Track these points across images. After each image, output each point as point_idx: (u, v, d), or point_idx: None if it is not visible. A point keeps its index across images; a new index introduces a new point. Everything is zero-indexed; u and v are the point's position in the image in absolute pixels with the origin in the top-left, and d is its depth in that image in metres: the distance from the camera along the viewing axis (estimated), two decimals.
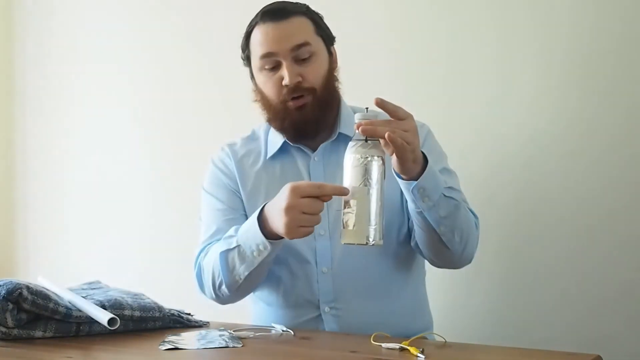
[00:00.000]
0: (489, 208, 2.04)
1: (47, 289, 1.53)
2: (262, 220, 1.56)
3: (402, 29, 2.19)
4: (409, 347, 1.35)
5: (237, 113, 2.41)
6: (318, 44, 1.71)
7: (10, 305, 1.46)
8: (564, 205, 2.00)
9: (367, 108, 1.45)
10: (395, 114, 1.43)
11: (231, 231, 1.66)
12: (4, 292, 1.46)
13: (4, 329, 1.47)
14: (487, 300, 2.09)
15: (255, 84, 1.75)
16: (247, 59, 1.75)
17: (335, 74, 1.74)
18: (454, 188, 1.59)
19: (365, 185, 1.38)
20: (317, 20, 1.73)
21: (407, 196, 1.53)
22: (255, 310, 1.81)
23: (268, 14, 1.69)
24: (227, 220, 1.74)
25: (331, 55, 1.75)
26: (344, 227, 1.40)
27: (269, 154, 1.77)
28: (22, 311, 1.48)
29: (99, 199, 2.73)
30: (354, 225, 1.39)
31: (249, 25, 1.73)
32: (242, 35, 1.75)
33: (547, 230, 2.02)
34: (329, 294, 1.70)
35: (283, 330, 1.56)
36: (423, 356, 1.31)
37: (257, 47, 1.70)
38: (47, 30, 2.84)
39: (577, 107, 1.99)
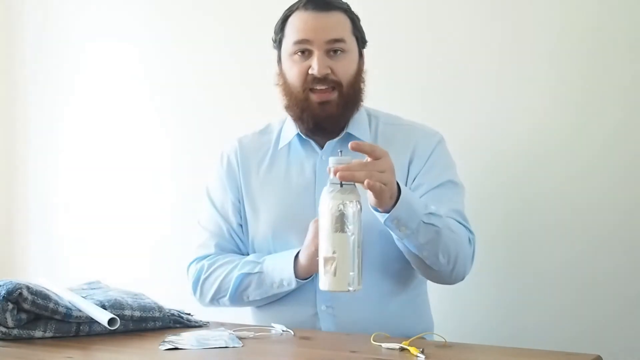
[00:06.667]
0: (490, 210, 2.04)
1: (47, 289, 1.52)
2: (297, 262, 1.63)
3: (408, 31, 2.20)
4: (409, 347, 1.35)
5: (238, 113, 2.41)
6: (352, 43, 1.73)
7: (10, 305, 1.46)
8: (563, 206, 2.01)
9: (340, 151, 1.44)
10: (373, 154, 1.43)
11: (253, 257, 1.72)
12: (4, 292, 1.46)
13: (4, 329, 1.47)
14: (488, 301, 2.09)
15: (281, 68, 1.76)
16: (279, 42, 1.76)
17: (362, 75, 1.75)
18: (435, 213, 1.56)
19: (345, 232, 1.36)
20: (355, 21, 1.75)
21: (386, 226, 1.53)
22: (252, 307, 1.81)
23: (311, 3, 1.71)
24: (221, 229, 1.80)
25: (361, 57, 1.76)
26: (323, 274, 1.39)
27: (280, 146, 1.79)
28: (22, 311, 1.48)
29: (99, 198, 2.73)
30: (334, 273, 1.37)
31: (288, 10, 1.74)
32: (279, 18, 1.74)
33: (547, 231, 2.02)
34: (326, 293, 1.69)
35: (283, 330, 1.56)
36: (423, 356, 1.31)
37: (293, 32, 1.71)
38: (49, 29, 2.84)
39: (580, 109, 1.99)
